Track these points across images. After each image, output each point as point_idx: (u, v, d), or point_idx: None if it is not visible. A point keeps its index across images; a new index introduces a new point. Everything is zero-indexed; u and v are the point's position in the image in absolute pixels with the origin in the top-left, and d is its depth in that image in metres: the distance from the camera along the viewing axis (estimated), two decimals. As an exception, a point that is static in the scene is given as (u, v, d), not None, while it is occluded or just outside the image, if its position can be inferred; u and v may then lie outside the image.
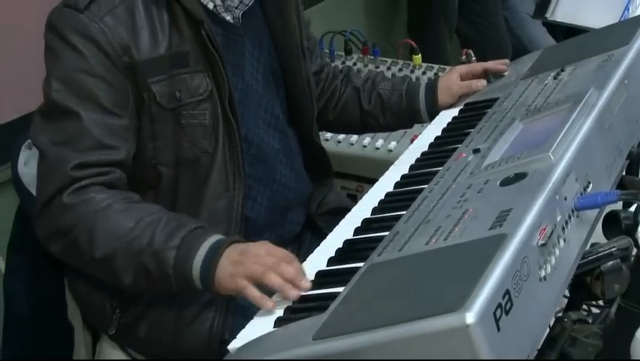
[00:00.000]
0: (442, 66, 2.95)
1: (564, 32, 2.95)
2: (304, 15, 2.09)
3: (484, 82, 2.12)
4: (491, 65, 2.17)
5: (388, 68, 2.99)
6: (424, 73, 2.93)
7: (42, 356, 1.97)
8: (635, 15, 2.60)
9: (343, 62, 3.02)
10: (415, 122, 2.21)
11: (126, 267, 1.62)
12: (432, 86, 2.15)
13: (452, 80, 2.14)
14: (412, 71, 2.97)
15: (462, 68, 2.17)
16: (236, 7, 1.89)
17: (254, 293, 1.47)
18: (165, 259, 1.58)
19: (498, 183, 1.43)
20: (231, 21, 1.89)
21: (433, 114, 2.14)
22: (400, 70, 2.99)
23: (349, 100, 2.22)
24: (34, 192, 1.80)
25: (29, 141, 1.82)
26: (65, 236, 1.67)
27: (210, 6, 1.84)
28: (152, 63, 1.75)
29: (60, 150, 1.69)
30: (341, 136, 2.77)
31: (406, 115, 2.18)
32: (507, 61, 2.17)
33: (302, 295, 1.47)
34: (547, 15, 3.00)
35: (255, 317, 1.45)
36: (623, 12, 2.77)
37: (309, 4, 2.48)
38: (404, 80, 2.21)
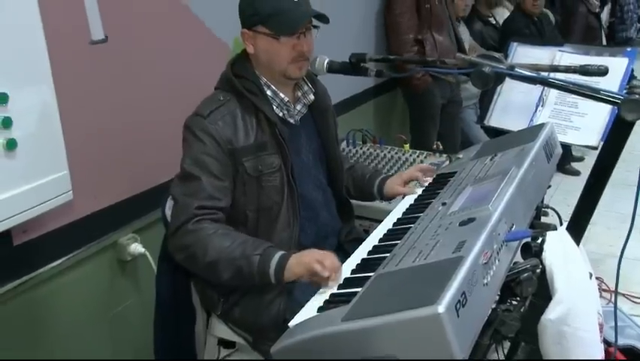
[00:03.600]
0: (422, 151, 2.91)
1: (494, 132, 2.95)
2: (337, 119, 2.09)
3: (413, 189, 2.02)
4: (420, 175, 2.04)
5: (389, 152, 2.95)
6: (410, 155, 2.89)
7: (176, 325, 1.96)
8: (538, 123, 2.61)
9: (361, 148, 3.00)
10: (372, 200, 2.15)
11: (225, 269, 1.64)
12: (381, 183, 2.09)
13: (396, 183, 2.06)
14: (404, 154, 2.93)
15: (404, 175, 2.07)
16: (296, 114, 1.89)
17: (323, 271, 1.50)
18: (252, 261, 1.61)
19: (458, 224, 1.41)
20: (293, 122, 1.89)
21: (381, 197, 2.09)
22: (396, 153, 2.94)
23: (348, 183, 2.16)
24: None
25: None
26: (187, 250, 1.68)
27: (280, 114, 1.85)
28: (245, 149, 1.76)
29: (187, 198, 1.70)
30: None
31: (367, 196, 2.14)
32: (434, 168, 2.10)
33: (334, 293, 1.46)
34: (485, 122, 3.03)
35: (305, 306, 1.43)
36: (530, 121, 2.82)
37: (339, 113, 2.49)
38: (371, 172, 2.15)
